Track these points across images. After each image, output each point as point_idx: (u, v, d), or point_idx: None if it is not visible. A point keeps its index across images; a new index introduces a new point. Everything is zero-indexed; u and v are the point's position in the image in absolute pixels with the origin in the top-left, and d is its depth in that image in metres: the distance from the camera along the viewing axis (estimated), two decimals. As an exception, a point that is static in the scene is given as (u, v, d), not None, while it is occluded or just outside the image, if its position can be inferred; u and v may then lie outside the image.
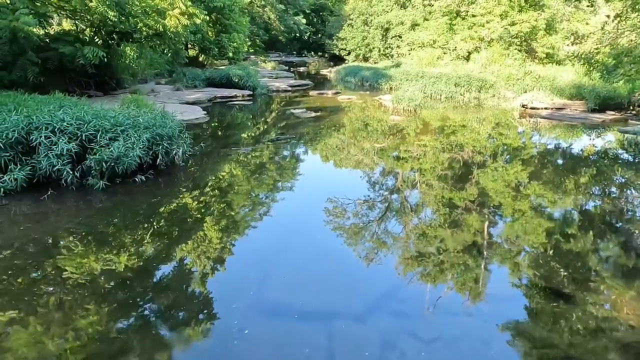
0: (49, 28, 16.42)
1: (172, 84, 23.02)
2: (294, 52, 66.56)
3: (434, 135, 13.73)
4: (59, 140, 7.68)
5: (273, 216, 7.43)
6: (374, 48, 42.48)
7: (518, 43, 28.42)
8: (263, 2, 50.41)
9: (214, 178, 9.16)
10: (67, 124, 8.04)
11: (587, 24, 32.57)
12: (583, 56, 18.24)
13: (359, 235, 6.62)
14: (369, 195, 8.54)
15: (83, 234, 6.13)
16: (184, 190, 8.31)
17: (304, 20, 56.88)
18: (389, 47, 40.65)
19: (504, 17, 29.07)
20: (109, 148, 7.96)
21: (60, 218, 6.61)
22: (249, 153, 11.12)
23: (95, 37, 16.42)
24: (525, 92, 20.46)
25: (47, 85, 15.14)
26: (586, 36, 26.48)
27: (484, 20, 30.00)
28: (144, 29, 15.86)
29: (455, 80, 23.79)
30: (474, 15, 31.49)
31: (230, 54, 32.50)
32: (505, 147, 12.81)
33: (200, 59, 32.51)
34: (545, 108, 18.42)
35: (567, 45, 31.92)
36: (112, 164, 7.91)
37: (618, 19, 16.94)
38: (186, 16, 16.18)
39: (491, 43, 29.51)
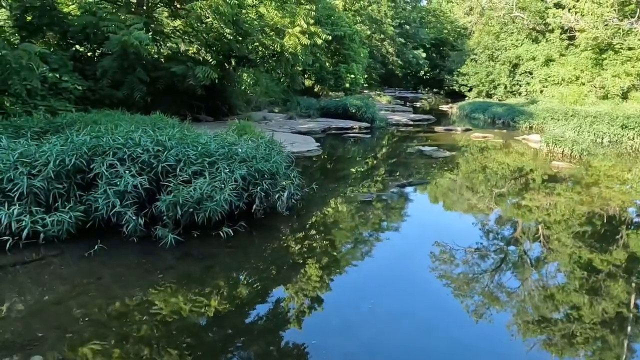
0: (164, 48, 15.55)
1: (285, 112, 21.49)
2: (410, 88, 63.90)
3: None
4: (125, 172, 5.57)
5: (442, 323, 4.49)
6: (499, 84, 38.52)
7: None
8: (382, 36, 48.77)
9: (330, 240, 6.35)
10: (142, 150, 5.96)
11: None
12: None
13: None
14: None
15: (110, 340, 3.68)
16: (287, 257, 5.66)
17: (424, 55, 54.09)
18: (517, 83, 36.55)
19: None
20: (189, 186, 5.68)
21: (89, 299, 4.21)
22: (376, 202, 8.23)
23: (210, 58, 15.16)
24: None
25: (157, 107, 14.05)
26: None
27: (644, 54, 24.89)
28: (260, 48, 14.21)
29: (622, 121, 19.01)
30: (630, 48, 26.48)
31: (347, 85, 30.68)
32: None
33: (316, 89, 31.18)
34: None
35: None
36: (191, 209, 5.60)
37: None
38: (307, 35, 14.24)
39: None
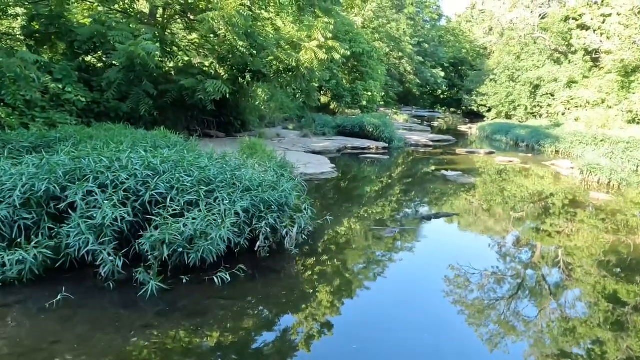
0: (175, 60, 14.88)
1: (300, 129, 20.70)
2: (426, 107, 63.05)
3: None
4: (104, 202, 4.67)
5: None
6: (519, 105, 37.69)
7: None
8: (400, 54, 48.10)
9: (348, 289, 5.25)
10: (129, 175, 5.07)
11: None
12: None
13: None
14: None
15: None
16: (295, 314, 4.61)
17: (442, 74, 53.21)
18: (538, 105, 35.56)
19: None
20: (180, 222, 4.75)
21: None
22: (401, 239, 7.13)
23: (222, 72, 14.42)
24: None
25: (166, 121, 13.34)
26: None
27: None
28: (274, 62, 13.42)
29: (659, 148, 17.78)
30: None
31: (364, 103, 29.88)
32: None
33: (332, 106, 30.42)
34: None
35: None
36: (181, 249, 4.67)
37: None
38: (324, 50, 13.42)
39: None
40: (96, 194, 4.75)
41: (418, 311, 4.82)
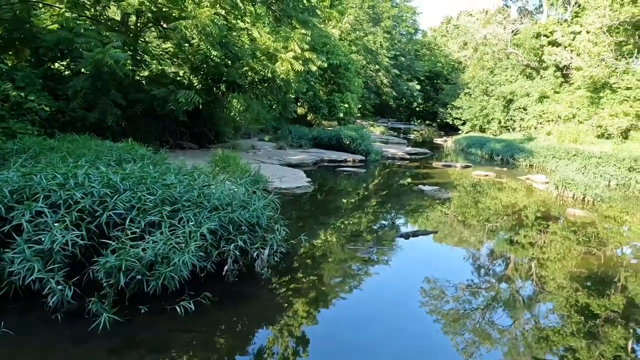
0: (146, 69, 14.40)
1: (276, 141, 20.36)
2: (402, 119, 63.73)
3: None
4: (54, 224, 4.24)
5: None
6: (493, 119, 38.37)
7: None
8: (377, 67, 48.51)
9: (324, 316, 4.90)
10: (85, 193, 4.65)
11: None
12: None
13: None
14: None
15: None
16: (267, 346, 4.26)
17: (418, 87, 53.88)
18: (511, 119, 36.30)
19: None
20: (140, 246, 4.35)
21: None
22: (379, 259, 6.82)
23: (195, 81, 14.02)
24: None
25: (136, 132, 12.81)
26: None
27: (643, 93, 24.58)
28: (250, 73, 13.11)
29: (629, 164, 18.15)
30: (628, 88, 26.32)
31: (341, 115, 29.80)
32: None
33: (309, 118, 30.23)
34: None
35: None
36: (139, 276, 4.27)
37: None
38: (301, 61, 13.19)
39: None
40: (46, 215, 4.32)
41: (400, 344, 4.51)
